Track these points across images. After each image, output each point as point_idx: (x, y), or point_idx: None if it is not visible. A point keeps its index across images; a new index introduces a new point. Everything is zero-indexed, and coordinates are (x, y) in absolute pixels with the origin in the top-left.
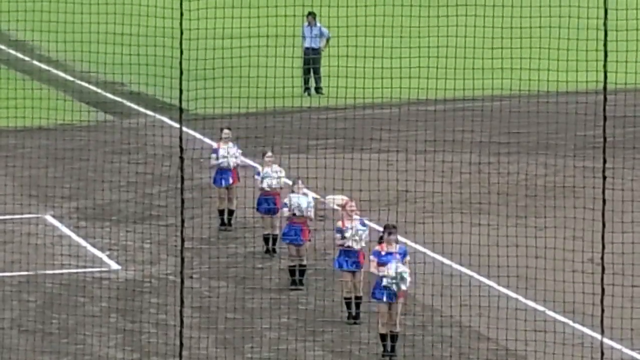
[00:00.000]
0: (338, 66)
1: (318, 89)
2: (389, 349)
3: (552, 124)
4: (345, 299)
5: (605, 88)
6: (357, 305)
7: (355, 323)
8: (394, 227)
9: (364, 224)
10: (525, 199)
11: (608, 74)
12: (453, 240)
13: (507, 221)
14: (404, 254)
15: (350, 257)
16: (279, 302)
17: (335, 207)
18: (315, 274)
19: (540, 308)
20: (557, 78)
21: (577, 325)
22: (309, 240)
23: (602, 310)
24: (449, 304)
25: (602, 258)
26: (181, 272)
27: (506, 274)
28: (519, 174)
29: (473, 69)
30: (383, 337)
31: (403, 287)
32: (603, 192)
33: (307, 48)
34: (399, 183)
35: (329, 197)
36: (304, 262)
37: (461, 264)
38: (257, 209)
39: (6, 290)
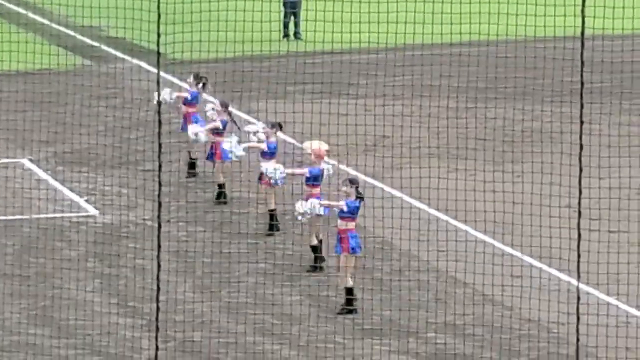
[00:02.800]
0: (316, 10)
1: (297, 34)
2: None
3: (531, 70)
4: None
5: (582, 33)
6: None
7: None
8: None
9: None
10: (503, 145)
11: (586, 19)
12: (430, 185)
13: (484, 167)
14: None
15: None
16: (256, 248)
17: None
18: (293, 219)
19: (517, 254)
20: (535, 23)
21: (553, 271)
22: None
23: (579, 256)
24: (426, 250)
25: (579, 203)
26: (158, 217)
27: (483, 219)
28: (497, 120)
29: (451, 13)
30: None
31: None
32: (580, 138)
33: None
34: (377, 129)
35: (307, 143)
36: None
37: (438, 210)
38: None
39: None
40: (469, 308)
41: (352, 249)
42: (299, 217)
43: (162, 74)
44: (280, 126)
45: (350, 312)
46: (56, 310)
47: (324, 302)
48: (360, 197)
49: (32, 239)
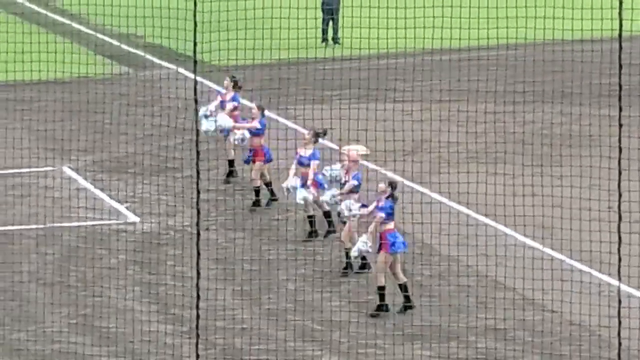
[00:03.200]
0: (352, 17)
1: (335, 39)
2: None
3: (569, 73)
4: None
5: (620, 36)
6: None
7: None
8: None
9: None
10: (543, 148)
11: (623, 22)
12: (470, 189)
13: (525, 170)
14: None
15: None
16: (297, 253)
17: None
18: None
19: (560, 257)
20: (572, 26)
21: (595, 273)
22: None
23: (619, 259)
24: (468, 253)
25: (619, 207)
26: (197, 225)
27: (525, 223)
28: (537, 123)
29: (488, 18)
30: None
31: None
32: (619, 141)
33: None
34: (417, 133)
35: (346, 148)
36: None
37: (479, 213)
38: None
39: (25, 243)
40: (511, 312)
41: (391, 246)
42: (355, 255)
43: (201, 80)
44: (324, 133)
45: (381, 309)
46: (97, 318)
47: (365, 307)
48: (393, 198)
49: (73, 247)
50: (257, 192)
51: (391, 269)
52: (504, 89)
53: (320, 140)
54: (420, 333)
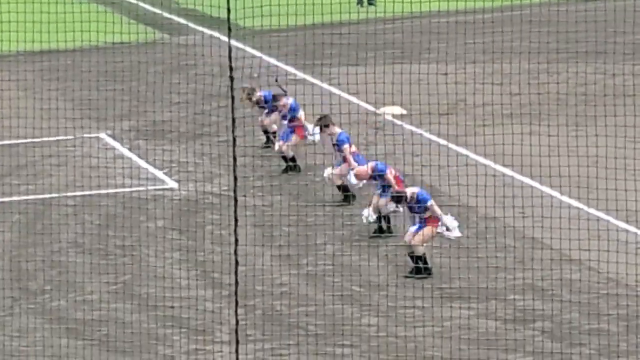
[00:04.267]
0: None
1: (371, 1)
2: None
3: (603, 30)
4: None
5: None
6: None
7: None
8: None
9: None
10: (579, 106)
11: None
12: (507, 148)
13: (562, 128)
14: None
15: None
16: (334, 216)
17: (390, 117)
18: (367, 188)
19: (599, 214)
20: None
21: (634, 229)
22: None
23: None
24: (506, 213)
25: None
26: (234, 191)
27: (562, 182)
28: (572, 80)
29: None
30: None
31: None
32: None
33: None
34: (453, 93)
35: (383, 109)
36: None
37: (518, 172)
38: None
39: (64, 211)
40: (551, 270)
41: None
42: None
43: (237, 44)
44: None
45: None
46: (137, 284)
47: (406, 268)
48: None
49: (111, 214)
50: (285, 159)
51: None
52: (538, 47)
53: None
54: (460, 293)
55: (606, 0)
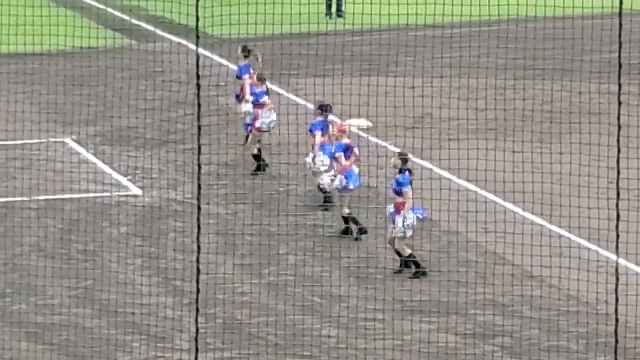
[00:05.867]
0: None
1: (339, 12)
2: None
3: (571, 48)
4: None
5: (620, 14)
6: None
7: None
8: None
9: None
10: (544, 123)
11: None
12: (472, 163)
13: (526, 145)
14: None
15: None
16: (297, 226)
17: (357, 130)
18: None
19: (560, 231)
20: (573, 2)
21: (595, 248)
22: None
23: (617, 236)
24: (469, 227)
25: (617, 184)
26: (198, 199)
27: (528, 198)
28: (537, 98)
29: None
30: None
31: None
32: (618, 118)
33: None
34: (420, 107)
35: (349, 121)
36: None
37: (481, 187)
38: None
39: (27, 214)
40: (512, 286)
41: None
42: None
43: (204, 52)
44: (329, 107)
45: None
46: (98, 289)
47: (367, 279)
48: (407, 170)
49: (74, 218)
50: (255, 157)
51: (391, 243)
52: (505, 63)
53: (324, 113)
54: (420, 307)
55: (573, 19)
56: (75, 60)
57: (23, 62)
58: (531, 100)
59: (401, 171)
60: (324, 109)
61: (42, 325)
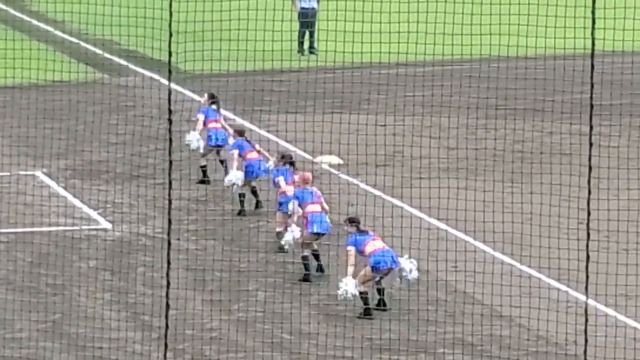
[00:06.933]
0: (327, 29)
1: (312, 49)
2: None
3: (542, 88)
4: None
5: (592, 55)
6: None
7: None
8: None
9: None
10: (514, 163)
11: (598, 35)
12: (442, 201)
13: (497, 184)
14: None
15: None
16: (267, 262)
17: (327, 167)
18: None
19: (530, 271)
20: (546, 43)
21: (564, 288)
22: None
23: (587, 277)
24: (438, 266)
25: (587, 225)
26: (168, 234)
27: (498, 237)
28: (509, 137)
29: (461, 34)
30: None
31: None
32: (589, 160)
33: (304, 8)
34: (391, 144)
35: (320, 158)
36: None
37: (451, 226)
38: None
39: None
40: (481, 325)
41: (377, 263)
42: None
43: (176, 87)
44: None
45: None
46: (67, 323)
47: (336, 317)
48: (362, 231)
49: (44, 252)
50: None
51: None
52: (477, 102)
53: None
54: (389, 345)
55: (545, 59)
56: (47, 94)
57: None
58: (502, 139)
59: (358, 230)
60: (286, 159)
61: (10, 358)
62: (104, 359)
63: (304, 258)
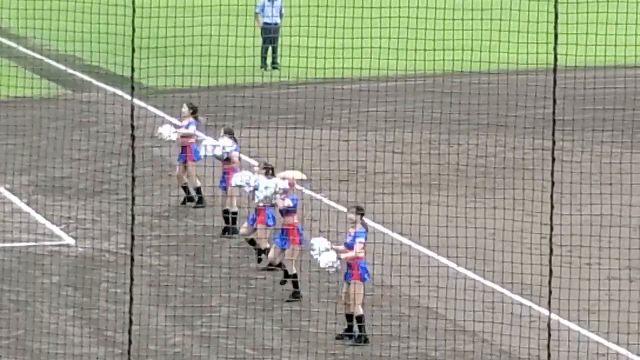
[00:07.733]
0: (290, 45)
1: (274, 64)
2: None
3: (505, 103)
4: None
5: (555, 70)
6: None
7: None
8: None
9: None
10: (477, 178)
11: (561, 50)
12: (406, 216)
13: (461, 198)
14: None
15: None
16: (231, 278)
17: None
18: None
19: (493, 286)
20: (509, 58)
21: (527, 303)
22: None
23: (550, 292)
24: (402, 281)
25: (550, 240)
26: (131, 250)
27: (461, 252)
28: (472, 152)
29: (424, 49)
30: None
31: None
32: (552, 175)
33: (267, 23)
34: (353, 159)
35: (283, 173)
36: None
37: (414, 241)
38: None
39: None
40: (445, 340)
41: (365, 274)
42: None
43: (139, 102)
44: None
45: (365, 340)
46: (30, 339)
47: (300, 333)
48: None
49: (6, 268)
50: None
51: (347, 298)
52: (440, 117)
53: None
54: None
55: (508, 74)
56: (9, 109)
57: None
58: (465, 154)
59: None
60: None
61: None
62: None
63: (294, 276)
